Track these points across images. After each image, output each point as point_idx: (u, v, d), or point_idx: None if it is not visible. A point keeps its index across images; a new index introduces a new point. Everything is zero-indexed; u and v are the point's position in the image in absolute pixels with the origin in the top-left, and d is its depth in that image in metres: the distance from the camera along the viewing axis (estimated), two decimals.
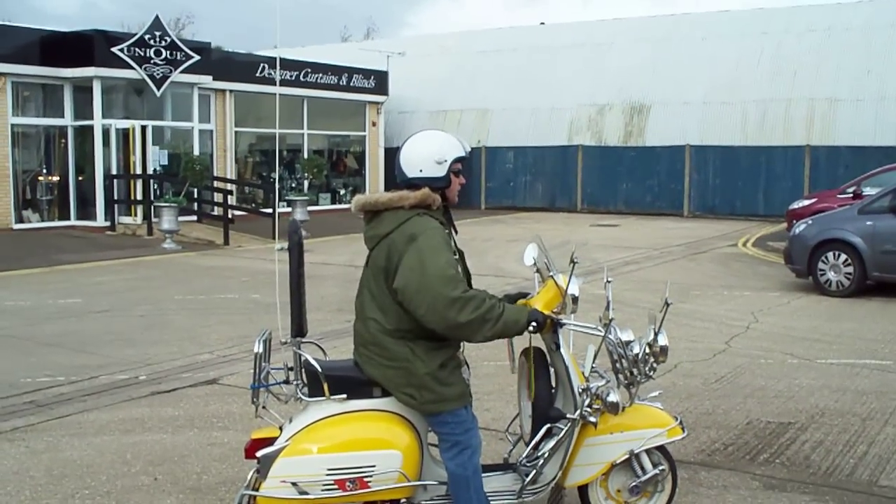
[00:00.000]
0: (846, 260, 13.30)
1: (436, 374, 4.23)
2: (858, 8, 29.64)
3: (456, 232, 4.51)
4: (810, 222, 14.37)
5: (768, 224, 25.38)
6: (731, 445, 6.57)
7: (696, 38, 31.02)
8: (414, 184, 4.32)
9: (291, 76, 27.43)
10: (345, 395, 4.35)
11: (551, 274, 4.75)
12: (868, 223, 13.23)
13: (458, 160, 4.38)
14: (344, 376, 4.38)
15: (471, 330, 4.10)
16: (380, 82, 31.38)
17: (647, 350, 4.57)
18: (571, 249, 4.68)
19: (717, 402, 7.66)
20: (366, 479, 4.22)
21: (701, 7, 33.85)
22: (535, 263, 4.98)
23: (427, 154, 4.33)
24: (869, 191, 17.62)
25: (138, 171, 23.37)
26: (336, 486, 4.21)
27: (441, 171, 4.33)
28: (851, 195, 18.67)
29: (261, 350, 4.47)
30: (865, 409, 7.49)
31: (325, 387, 4.33)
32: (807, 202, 20.56)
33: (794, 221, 16.38)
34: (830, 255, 13.45)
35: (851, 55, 27.83)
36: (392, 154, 25.73)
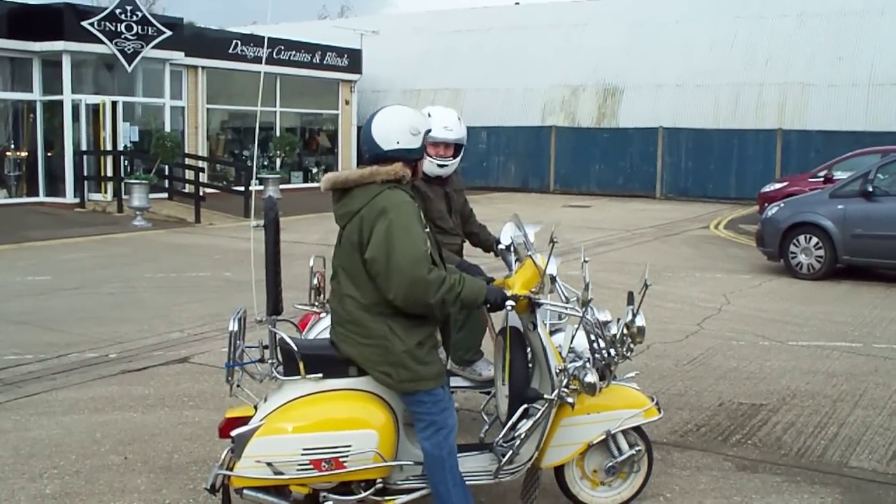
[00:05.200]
0: (817, 243, 13.38)
1: (413, 353, 4.20)
2: None
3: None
4: (782, 205, 14.44)
5: (740, 207, 25.53)
6: (704, 426, 6.59)
7: (670, 20, 31.03)
8: (386, 157, 4.27)
9: (265, 53, 27.21)
10: (320, 375, 4.31)
11: (529, 253, 4.73)
12: (839, 207, 13.31)
13: (427, 132, 4.38)
14: (320, 355, 4.34)
15: (434, 308, 4.11)
16: (353, 61, 31.20)
17: (625, 331, 4.56)
18: (550, 229, 4.65)
19: (690, 384, 7.69)
20: (341, 460, 4.19)
21: None
22: (512, 242, 4.96)
23: (403, 126, 4.29)
24: (839, 175, 17.71)
25: (108, 147, 23.11)
26: (312, 466, 4.18)
27: (417, 143, 4.31)
28: (822, 179, 18.74)
29: (236, 328, 4.43)
30: (836, 390, 7.55)
31: (301, 366, 4.29)
32: (778, 185, 20.67)
33: (766, 204, 16.46)
34: (802, 238, 13.53)
35: (823, 41, 27.93)
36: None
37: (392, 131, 4.28)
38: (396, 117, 4.33)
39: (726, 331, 9.77)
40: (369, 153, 4.32)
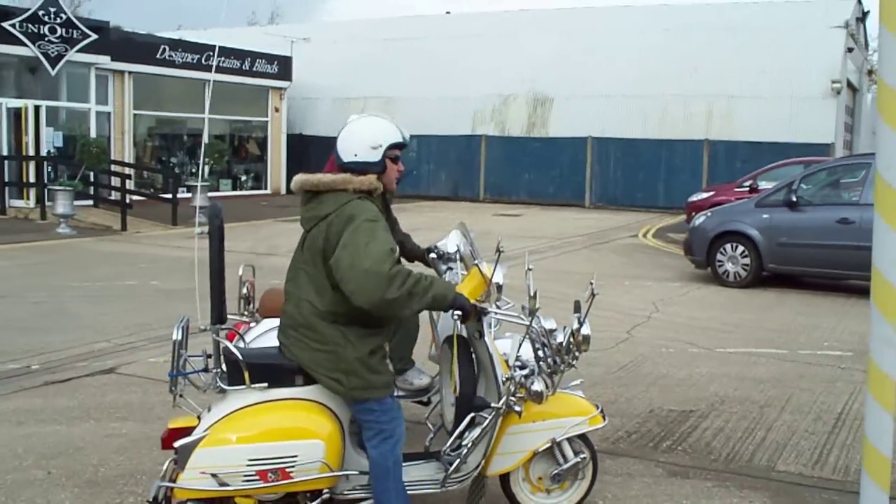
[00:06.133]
0: (743, 251, 13.64)
1: (365, 361, 4.20)
2: (757, 8, 30.39)
3: (394, 222, 4.48)
4: (709, 214, 14.68)
5: (668, 216, 25.91)
6: (635, 433, 6.65)
7: (600, 31, 31.40)
8: (349, 168, 4.27)
9: (193, 59, 26.85)
10: (266, 384, 4.27)
11: (476, 262, 4.74)
12: (765, 216, 13.59)
13: (395, 146, 4.35)
14: (265, 364, 4.31)
15: (398, 306, 4.05)
16: (283, 68, 31.00)
17: (571, 339, 4.60)
18: (498, 239, 4.67)
19: (620, 391, 7.75)
20: (288, 470, 4.16)
21: (606, 1, 34.20)
22: (458, 250, 4.97)
23: (362, 139, 4.28)
24: (765, 185, 18.08)
25: (31, 152, 22.59)
26: (257, 477, 4.14)
27: (376, 157, 4.29)
28: (748, 189, 19.13)
29: (179, 337, 4.36)
30: (763, 396, 7.68)
31: (246, 375, 4.25)
32: (705, 195, 21.01)
33: (694, 213, 16.71)
34: (728, 246, 13.78)
35: (749, 54, 28.49)
36: (295, 140, 25.50)
37: (352, 144, 4.28)
38: (361, 130, 4.32)
39: (656, 338, 9.88)
40: (336, 162, 4.32)
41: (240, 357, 4.25)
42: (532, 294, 4.53)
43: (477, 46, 32.72)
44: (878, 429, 2.99)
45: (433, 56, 32.96)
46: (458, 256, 5.13)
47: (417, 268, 5.08)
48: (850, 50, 29.15)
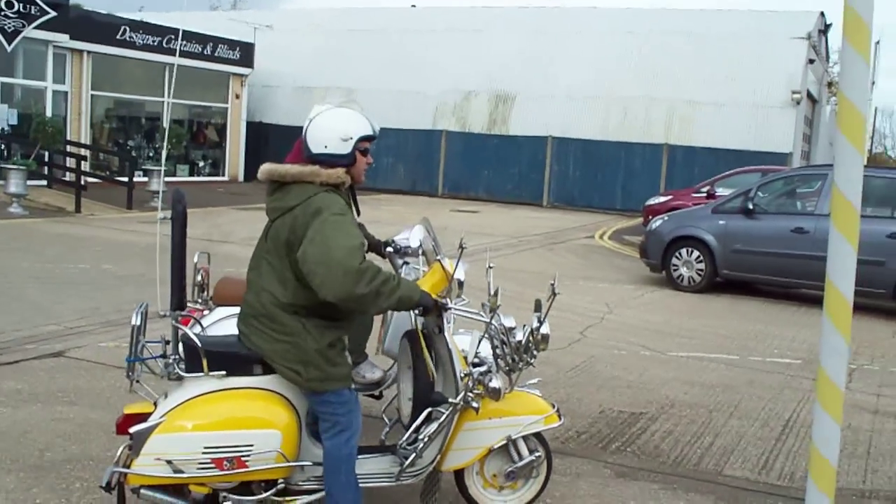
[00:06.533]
0: (698, 257, 13.77)
1: (325, 352, 4.20)
2: (721, 16, 30.67)
3: (358, 213, 4.49)
4: (666, 219, 14.81)
5: (625, 218, 26.06)
6: (584, 434, 6.70)
7: (564, 32, 31.52)
8: (314, 160, 4.27)
9: (154, 41, 26.54)
10: (224, 372, 4.26)
11: (438, 257, 4.77)
12: (720, 222, 13.73)
13: (365, 139, 4.35)
14: (224, 352, 4.30)
15: (365, 302, 4.06)
16: (245, 54, 30.76)
17: (530, 338, 4.64)
18: (460, 235, 4.70)
19: (571, 391, 7.79)
20: (244, 459, 4.15)
21: (571, 1, 34.31)
22: (421, 245, 5.00)
23: (333, 130, 4.27)
24: (722, 191, 18.26)
25: None
26: (213, 465, 4.13)
27: (346, 149, 4.29)
28: (705, 195, 19.33)
29: (138, 322, 4.34)
30: (713, 401, 7.77)
31: (205, 363, 4.23)
32: (663, 199, 21.19)
33: (650, 217, 16.85)
34: (684, 251, 13.91)
35: (711, 61, 28.76)
36: (254, 128, 25.22)
37: (322, 135, 4.27)
38: (331, 121, 4.32)
39: (608, 340, 9.95)
40: (304, 153, 4.31)
41: (199, 344, 4.23)
42: (493, 292, 4.57)
43: (441, 41, 32.72)
44: (826, 438, 3.05)
45: (397, 49, 32.90)
46: (420, 251, 5.15)
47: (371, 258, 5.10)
48: (811, 61, 29.51)
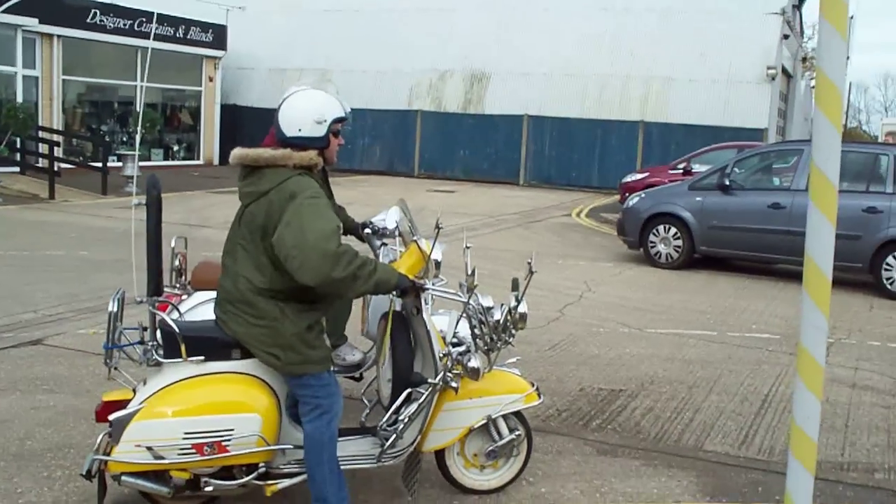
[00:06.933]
0: (676, 233, 13.81)
1: (303, 336, 4.20)
2: None
3: (331, 196, 4.47)
4: (643, 196, 14.83)
5: (602, 196, 26.05)
6: (565, 412, 6.72)
7: (539, 10, 31.34)
8: (288, 143, 4.24)
9: (125, 24, 26.26)
10: (202, 357, 4.25)
11: (415, 239, 4.76)
12: (697, 199, 13.76)
13: (337, 120, 4.34)
14: (202, 337, 4.28)
15: (343, 286, 4.06)
16: (218, 36, 30.51)
17: (508, 317, 4.65)
18: (437, 216, 4.69)
19: (551, 370, 7.80)
20: (224, 443, 4.15)
21: None
22: (398, 227, 4.99)
23: (307, 113, 4.25)
24: (698, 168, 18.31)
25: None
26: (193, 451, 4.13)
27: (320, 131, 4.27)
28: (681, 171, 19.38)
29: (114, 309, 4.32)
30: (692, 377, 7.81)
31: (183, 348, 4.22)
32: (639, 176, 21.23)
33: (627, 194, 16.88)
34: (661, 228, 13.94)
35: (686, 37, 28.71)
36: (228, 111, 24.91)
37: (296, 118, 4.25)
38: (304, 104, 4.29)
39: (587, 318, 9.97)
40: (276, 136, 4.28)
41: (176, 330, 4.22)
42: (470, 272, 4.56)
43: (415, 21, 32.54)
44: (807, 413, 3.06)
45: (371, 29, 32.71)
46: (396, 233, 5.14)
47: (349, 241, 5.09)
48: (785, 37, 29.56)
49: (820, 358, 3.00)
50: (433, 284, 4.71)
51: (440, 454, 4.89)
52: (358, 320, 6.09)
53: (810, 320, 3.01)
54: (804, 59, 37.92)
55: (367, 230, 5.64)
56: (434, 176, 30.26)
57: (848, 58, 38.26)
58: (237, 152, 4.27)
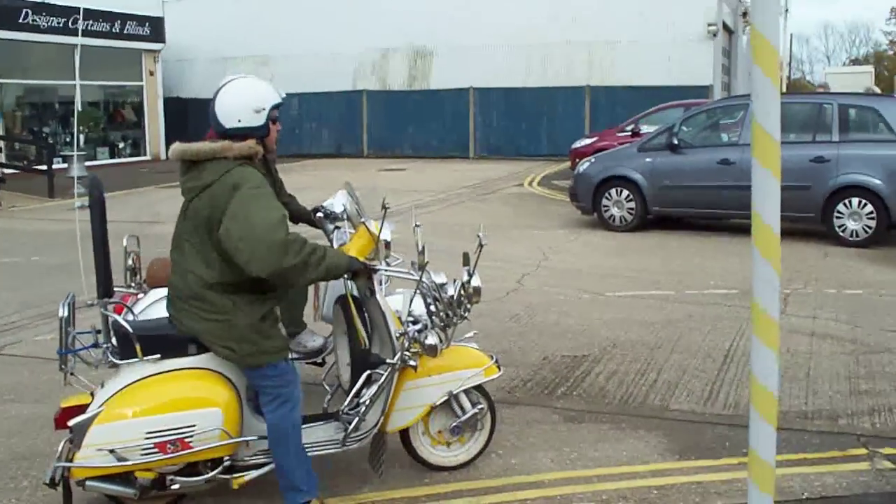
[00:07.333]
0: (628, 196, 13.87)
1: (257, 327, 4.18)
2: None
3: (276, 182, 4.43)
4: (593, 160, 14.86)
5: (553, 163, 26.07)
6: (530, 381, 6.75)
7: None
8: (231, 134, 4.19)
9: (59, 23, 25.79)
10: (159, 356, 4.22)
11: (363, 220, 4.74)
12: (647, 160, 13.82)
13: (275, 107, 4.31)
14: (156, 335, 4.25)
15: (294, 274, 4.03)
16: (156, 29, 30.10)
17: (462, 291, 4.64)
18: (382, 196, 4.67)
19: (514, 340, 7.83)
20: (187, 440, 4.13)
21: None
22: (345, 210, 4.96)
23: (245, 103, 4.21)
24: (646, 129, 18.37)
25: None
26: (157, 450, 4.11)
27: (260, 120, 4.24)
28: (630, 133, 19.42)
29: (66, 314, 4.27)
30: (654, 338, 7.87)
31: (138, 347, 4.18)
32: (588, 141, 21.29)
33: (578, 160, 16.91)
34: (613, 191, 13.99)
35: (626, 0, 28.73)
36: (173, 104, 24.50)
37: (234, 108, 4.21)
38: (241, 93, 4.25)
39: (546, 286, 10.01)
40: (214, 129, 4.23)
41: (130, 330, 4.18)
42: (420, 249, 4.55)
43: (355, 1, 32.33)
44: (764, 367, 3.09)
45: (311, 12, 32.41)
46: (344, 216, 5.12)
47: (302, 229, 5.06)
48: None
49: (773, 311, 3.03)
50: (388, 264, 4.70)
51: (405, 434, 4.89)
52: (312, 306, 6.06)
53: (761, 275, 3.03)
54: (744, 14, 38.12)
55: (319, 214, 5.62)
56: (384, 155, 30.18)
57: (787, 10, 38.64)
58: (176, 148, 4.22)
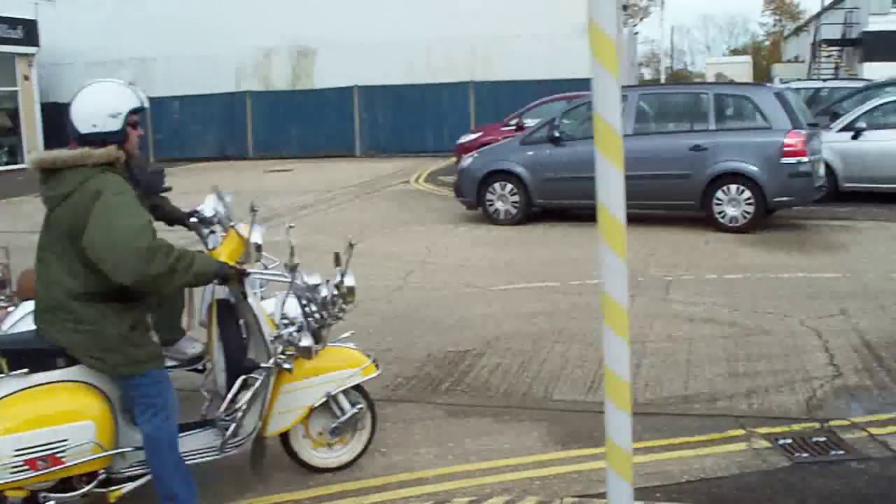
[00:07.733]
0: (512, 189, 13.99)
1: (127, 336, 4.11)
2: None
3: (136, 185, 4.34)
4: (477, 155, 14.93)
5: (439, 159, 26.09)
6: (414, 378, 6.77)
7: None
8: (91, 140, 4.11)
9: None
10: (26, 370, 4.11)
11: (232, 224, 4.71)
12: (530, 153, 13.95)
13: (134, 111, 4.22)
14: (23, 349, 4.14)
15: (161, 281, 3.98)
16: (29, 32, 29.15)
17: (335, 292, 4.65)
18: (252, 199, 4.64)
19: (398, 338, 7.84)
20: (59, 455, 4.04)
21: None
22: (216, 214, 4.92)
23: (100, 107, 4.12)
24: (529, 122, 18.51)
25: None
26: (27, 467, 4.00)
27: (116, 125, 4.15)
28: (514, 127, 19.54)
29: None
30: (536, 329, 7.96)
31: (3, 362, 4.07)
32: (473, 136, 21.36)
33: (462, 155, 16.99)
34: (497, 185, 14.09)
35: None
36: (50, 109, 23.86)
37: (89, 113, 4.12)
38: (96, 98, 4.16)
39: (430, 282, 10.05)
40: (70, 134, 4.13)
41: None
42: (291, 250, 4.54)
43: (234, 1, 31.93)
44: (616, 355, 3.17)
45: (190, 12, 31.82)
46: (215, 220, 5.07)
47: (177, 232, 5.00)
48: None
49: (622, 300, 3.11)
50: (265, 266, 4.68)
51: (285, 437, 4.88)
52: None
53: (609, 265, 3.11)
54: (625, 7, 38.89)
55: (194, 219, 5.54)
56: (270, 156, 29.85)
57: (663, 2, 39.50)
58: (34, 157, 4.14)
